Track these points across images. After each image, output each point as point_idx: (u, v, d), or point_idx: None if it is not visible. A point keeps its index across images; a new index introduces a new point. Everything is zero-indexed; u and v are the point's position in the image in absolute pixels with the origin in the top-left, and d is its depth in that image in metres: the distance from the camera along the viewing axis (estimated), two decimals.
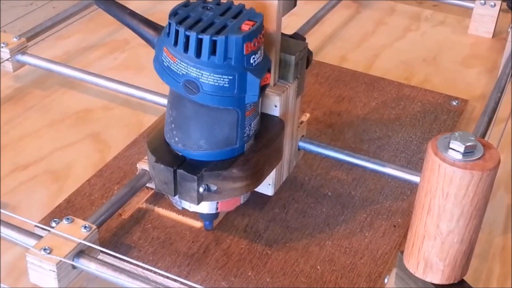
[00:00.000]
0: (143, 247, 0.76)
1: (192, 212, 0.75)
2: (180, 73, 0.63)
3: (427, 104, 1.01)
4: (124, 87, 0.96)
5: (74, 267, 0.68)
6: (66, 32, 1.15)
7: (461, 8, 1.26)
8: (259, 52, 0.64)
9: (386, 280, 0.66)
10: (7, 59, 0.99)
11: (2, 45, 0.99)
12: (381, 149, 0.92)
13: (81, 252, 0.69)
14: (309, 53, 0.76)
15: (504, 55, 1.09)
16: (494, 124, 0.88)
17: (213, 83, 0.63)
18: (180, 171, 0.67)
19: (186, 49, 0.63)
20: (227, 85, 0.63)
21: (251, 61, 0.64)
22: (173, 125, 0.68)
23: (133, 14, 0.71)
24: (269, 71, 0.67)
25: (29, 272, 0.68)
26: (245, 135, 0.68)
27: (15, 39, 1.00)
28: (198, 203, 0.68)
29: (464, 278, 0.66)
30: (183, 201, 0.72)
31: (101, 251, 0.71)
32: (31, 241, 0.69)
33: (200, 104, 0.65)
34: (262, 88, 0.65)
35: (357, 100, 1.02)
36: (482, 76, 1.12)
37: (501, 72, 1.01)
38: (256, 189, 0.75)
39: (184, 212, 0.80)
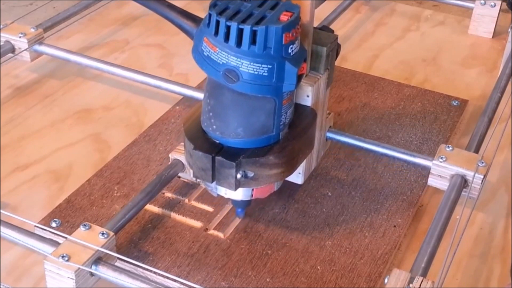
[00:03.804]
0: (143, 247, 0.76)
1: (196, 211, 0.75)
2: (220, 62, 0.65)
3: (427, 104, 1.01)
4: (141, 76, 0.99)
5: (92, 274, 0.68)
6: (66, 32, 1.15)
7: (461, 8, 1.26)
8: (296, 42, 0.67)
9: (386, 280, 0.66)
10: (25, 49, 1.02)
11: (20, 35, 1.01)
12: None
13: (98, 259, 0.68)
14: (338, 45, 0.78)
15: (504, 55, 1.09)
16: (494, 124, 0.88)
17: (252, 71, 0.65)
18: (218, 158, 0.68)
19: (226, 39, 0.64)
20: (266, 74, 0.65)
21: (289, 51, 0.66)
22: (211, 114, 0.70)
23: (171, 6, 0.73)
24: (305, 61, 0.69)
25: (46, 279, 0.67)
26: (281, 123, 0.70)
27: (32, 30, 1.03)
28: (236, 189, 0.70)
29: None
30: (218, 188, 0.74)
31: (119, 258, 0.71)
32: (47, 248, 0.69)
33: (239, 93, 0.67)
34: (299, 77, 0.67)
35: (357, 100, 1.02)
36: (482, 76, 1.12)
37: (501, 72, 1.01)
38: (286, 178, 0.77)
39: (184, 212, 0.80)
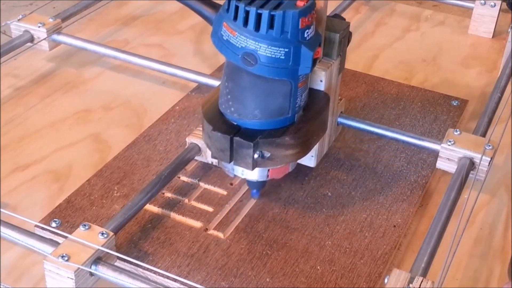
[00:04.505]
0: (143, 247, 0.76)
1: (196, 211, 0.75)
2: (239, 46, 0.68)
3: (427, 104, 1.01)
4: (158, 64, 1.01)
5: (91, 274, 0.67)
6: (66, 32, 1.15)
7: (461, 8, 1.26)
8: (312, 27, 0.69)
9: (386, 280, 0.66)
10: (43, 39, 1.04)
11: (39, 25, 1.04)
12: (381, 149, 0.92)
13: (98, 259, 0.68)
14: (349, 33, 0.81)
15: (504, 55, 1.09)
16: (494, 124, 0.88)
17: (270, 55, 0.67)
18: (236, 138, 0.71)
19: (245, 23, 0.67)
20: (283, 57, 0.68)
21: (305, 35, 0.68)
22: (229, 96, 0.72)
23: None
24: (320, 45, 0.71)
25: (46, 279, 0.67)
26: (296, 106, 0.73)
27: (51, 20, 1.06)
28: (253, 168, 0.73)
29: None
30: (235, 168, 0.76)
31: (118, 258, 0.71)
32: (46, 248, 0.69)
33: (257, 76, 0.69)
34: (314, 61, 0.70)
35: (357, 100, 1.02)
36: (482, 76, 1.12)
37: (501, 72, 1.01)
38: (299, 161, 0.80)
39: (184, 212, 0.80)
